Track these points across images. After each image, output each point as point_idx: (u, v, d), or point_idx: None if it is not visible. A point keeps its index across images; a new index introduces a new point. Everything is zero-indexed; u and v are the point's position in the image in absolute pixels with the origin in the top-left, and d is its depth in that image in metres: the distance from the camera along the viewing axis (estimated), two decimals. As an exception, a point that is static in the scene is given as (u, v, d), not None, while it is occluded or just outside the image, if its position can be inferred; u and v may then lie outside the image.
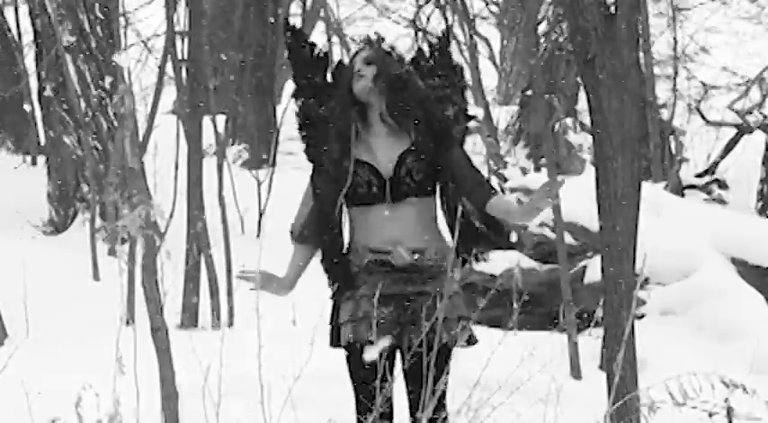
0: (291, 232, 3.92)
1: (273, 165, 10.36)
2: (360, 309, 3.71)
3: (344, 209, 3.83)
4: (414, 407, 3.71)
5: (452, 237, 3.67)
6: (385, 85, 3.75)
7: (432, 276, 3.74)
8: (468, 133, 3.91)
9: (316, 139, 3.84)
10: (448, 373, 3.67)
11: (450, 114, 3.82)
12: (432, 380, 3.38)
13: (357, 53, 3.82)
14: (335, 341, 3.81)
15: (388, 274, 3.71)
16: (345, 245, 3.84)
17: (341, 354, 3.85)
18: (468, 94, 3.94)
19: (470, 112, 3.92)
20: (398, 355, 3.71)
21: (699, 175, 14.11)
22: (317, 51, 3.93)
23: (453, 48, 3.98)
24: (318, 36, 23.55)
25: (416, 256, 3.72)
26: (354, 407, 3.78)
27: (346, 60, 3.92)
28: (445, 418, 3.69)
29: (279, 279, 3.89)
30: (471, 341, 3.77)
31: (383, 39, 3.85)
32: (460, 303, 3.78)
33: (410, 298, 3.71)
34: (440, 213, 3.92)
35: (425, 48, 3.94)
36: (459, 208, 3.73)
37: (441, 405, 3.68)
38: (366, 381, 3.67)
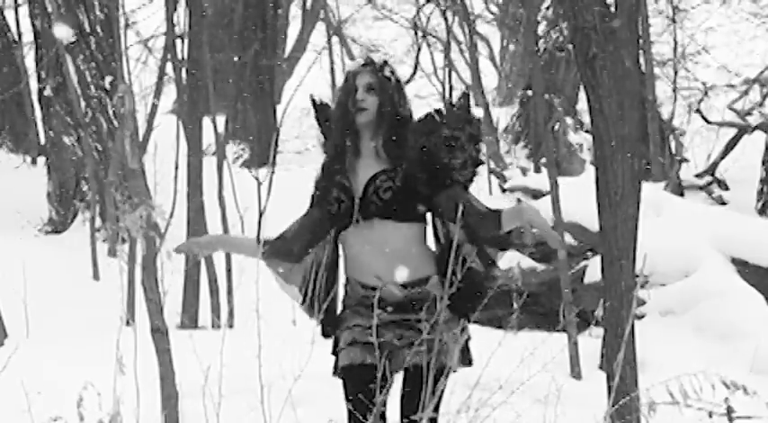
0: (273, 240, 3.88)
1: (273, 165, 10.34)
2: (353, 336, 3.72)
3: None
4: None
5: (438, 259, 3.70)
6: (386, 122, 3.75)
7: (424, 305, 3.70)
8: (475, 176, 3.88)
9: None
10: (443, 391, 3.67)
11: (458, 162, 3.79)
12: (429, 397, 3.39)
13: (358, 73, 3.77)
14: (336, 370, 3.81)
15: (382, 309, 3.69)
16: (340, 279, 3.86)
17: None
18: (482, 146, 3.90)
19: (480, 159, 3.88)
20: (395, 380, 3.68)
21: (699, 175, 14.11)
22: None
23: (472, 104, 3.95)
24: (318, 36, 23.57)
25: (407, 291, 3.71)
26: None
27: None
28: None
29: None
30: (468, 363, 3.79)
31: (386, 62, 3.81)
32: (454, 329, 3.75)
33: (404, 325, 3.70)
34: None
35: (444, 106, 3.89)
36: (460, 210, 3.71)
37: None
38: (364, 403, 3.66)
